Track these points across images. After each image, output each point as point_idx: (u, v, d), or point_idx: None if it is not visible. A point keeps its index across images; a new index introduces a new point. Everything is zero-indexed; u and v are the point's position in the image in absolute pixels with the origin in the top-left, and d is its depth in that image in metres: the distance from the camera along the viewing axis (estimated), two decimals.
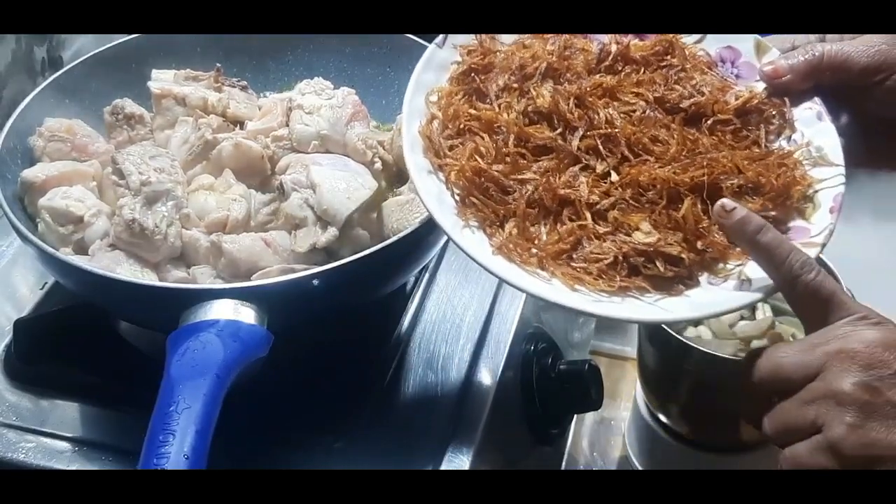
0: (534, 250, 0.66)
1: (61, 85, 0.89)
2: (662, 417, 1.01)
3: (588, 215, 0.66)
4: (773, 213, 0.68)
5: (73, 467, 0.75)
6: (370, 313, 0.85)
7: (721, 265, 0.67)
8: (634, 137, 0.69)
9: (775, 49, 0.75)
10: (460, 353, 0.83)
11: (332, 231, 0.77)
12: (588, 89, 0.71)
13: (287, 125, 0.87)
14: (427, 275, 0.90)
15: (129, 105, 0.88)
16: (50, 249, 0.74)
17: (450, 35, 0.74)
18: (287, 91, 0.92)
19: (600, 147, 0.68)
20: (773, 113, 0.73)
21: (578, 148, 0.68)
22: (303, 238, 0.77)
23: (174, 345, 0.64)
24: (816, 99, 0.73)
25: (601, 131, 0.69)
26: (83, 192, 0.81)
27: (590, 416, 1.17)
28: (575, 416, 1.04)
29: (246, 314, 0.67)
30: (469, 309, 0.87)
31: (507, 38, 0.76)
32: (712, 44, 0.77)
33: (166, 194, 0.78)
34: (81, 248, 0.78)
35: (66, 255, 0.76)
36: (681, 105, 0.72)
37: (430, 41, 0.91)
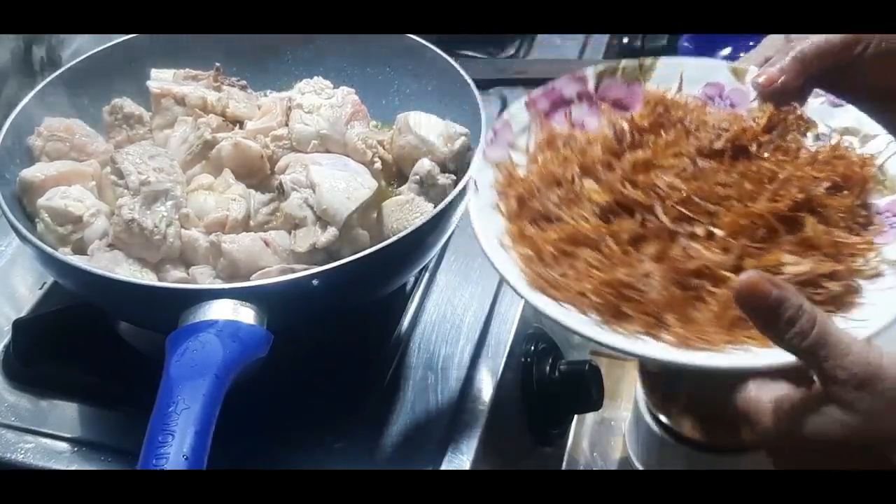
0: (711, 329, 0.62)
1: (60, 84, 0.88)
2: (663, 418, 1.01)
3: (733, 276, 0.63)
4: (858, 201, 0.68)
5: (73, 468, 0.75)
6: (370, 313, 0.85)
7: (860, 262, 0.65)
8: (703, 192, 0.67)
9: (753, 67, 0.75)
10: (460, 354, 0.83)
11: (332, 231, 0.77)
12: (631, 169, 0.69)
13: (287, 125, 0.87)
14: (427, 275, 0.90)
15: (128, 104, 0.88)
16: (49, 249, 0.73)
17: (474, 177, 0.70)
18: (287, 91, 0.92)
19: (686, 212, 0.66)
20: (793, 119, 0.72)
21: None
22: (302, 238, 0.77)
23: (173, 345, 0.64)
24: (817, 91, 0.73)
25: (674, 198, 0.66)
26: (82, 192, 0.80)
27: (590, 417, 1.16)
28: (575, 416, 1.04)
29: (245, 314, 0.67)
30: (469, 309, 0.87)
31: (520, 160, 0.73)
32: (692, 87, 0.76)
33: (165, 194, 0.78)
34: (80, 248, 0.78)
35: (65, 254, 0.76)
36: (716, 147, 0.70)
37: (430, 41, 0.92)
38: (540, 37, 1.28)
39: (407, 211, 0.80)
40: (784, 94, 0.73)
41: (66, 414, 0.80)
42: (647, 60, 0.76)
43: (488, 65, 1.23)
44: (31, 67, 1.12)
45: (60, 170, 0.82)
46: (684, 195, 0.66)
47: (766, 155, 0.70)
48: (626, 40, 1.34)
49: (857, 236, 0.67)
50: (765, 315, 0.55)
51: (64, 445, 0.77)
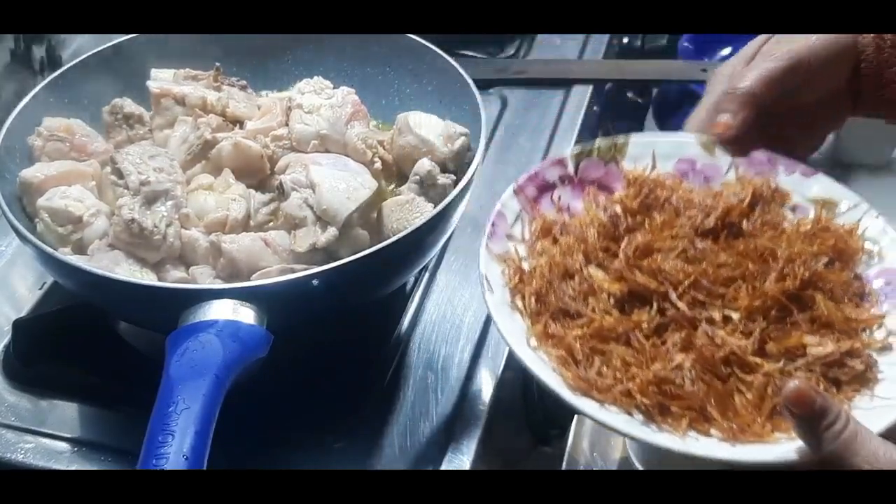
0: (753, 419, 0.62)
1: (60, 84, 0.88)
2: None
3: (762, 362, 0.63)
4: (852, 273, 0.69)
5: (73, 468, 0.75)
6: (370, 313, 0.85)
7: (868, 334, 0.66)
8: (709, 275, 0.67)
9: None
10: (460, 354, 0.83)
11: (332, 231, 0.77)
12: (633, 255, 0.68)
13: (287, 124, 0.87)
14: (427, 275, 0.90)
15: (128, 104, 0.88)
16: (49, 249, 0.73)
17: (484, 273, 0.69)
18: (287, 91, 0.92)
19: (700, 297, 0.66)
20: (770, 193, 0.73)
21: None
22: (302, 238, 0.77)
23: (173, 345, 0.64)
24: (787, 163, 0.74)
25: (685, 283, 0.66)
26: (82, 192, 0.80)
27: None
28: (575, 416, 1.04)
29: (245, 314, 0.67)
30: (469, 309, 0.87)
31: (521, 250, 0.72)
32: (665, 164, 0.76)
33: (165, 194, 0.78)
34: (80, 248, 0.78)
35: (65, 255, 0.76)
36: (707, 225, 0.70)
37: (430, 41, 0.92)
38: (540, 37, 1.28)
39: (407, 211, 0.80)
40: (743, 139, 0.73)
41: (66, 414, 0.80)
42: (620, 139, 0.76)
43: (488, 65, 1.23)
44: (31, 67, 1.12)
45: (60, 170, 0.82)
46: (693, 279, 0.66)
47: (752, 230, 0.71)
48: (626, 40, 1.35)
49: (860, 309, 0.67)
50: (808, 421, 0.58)
51: (64, 445, 0.77)
